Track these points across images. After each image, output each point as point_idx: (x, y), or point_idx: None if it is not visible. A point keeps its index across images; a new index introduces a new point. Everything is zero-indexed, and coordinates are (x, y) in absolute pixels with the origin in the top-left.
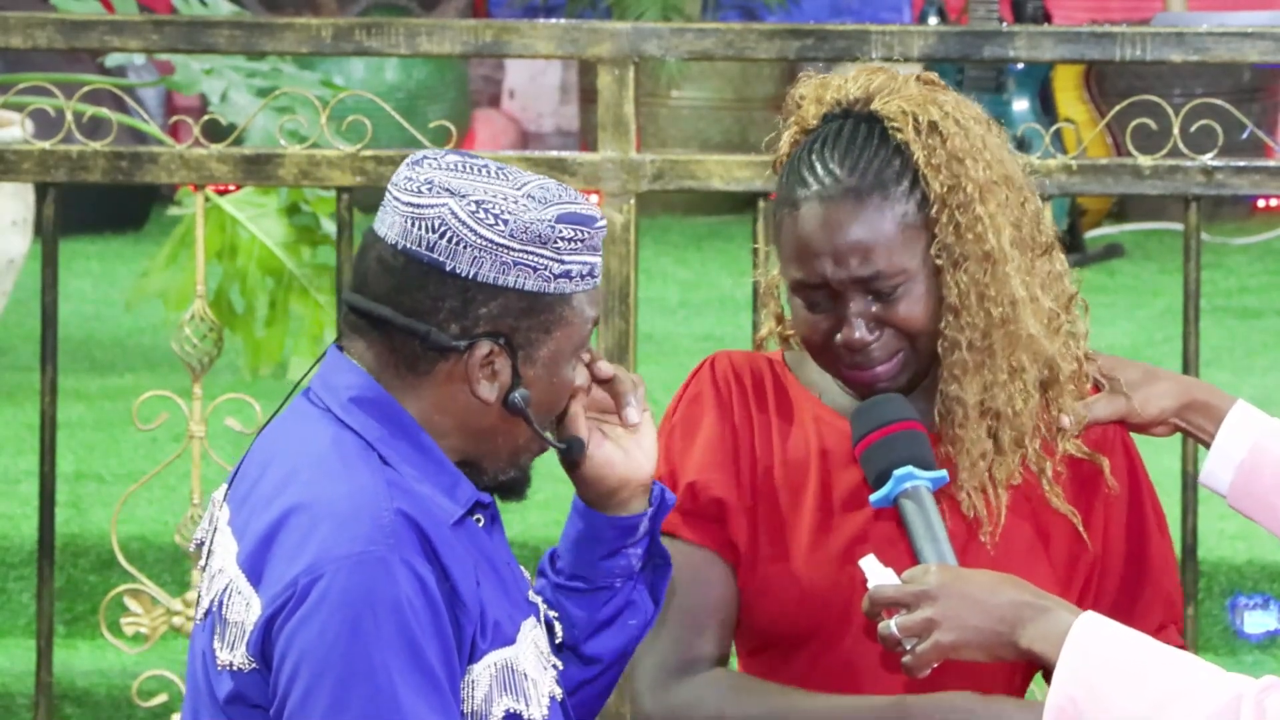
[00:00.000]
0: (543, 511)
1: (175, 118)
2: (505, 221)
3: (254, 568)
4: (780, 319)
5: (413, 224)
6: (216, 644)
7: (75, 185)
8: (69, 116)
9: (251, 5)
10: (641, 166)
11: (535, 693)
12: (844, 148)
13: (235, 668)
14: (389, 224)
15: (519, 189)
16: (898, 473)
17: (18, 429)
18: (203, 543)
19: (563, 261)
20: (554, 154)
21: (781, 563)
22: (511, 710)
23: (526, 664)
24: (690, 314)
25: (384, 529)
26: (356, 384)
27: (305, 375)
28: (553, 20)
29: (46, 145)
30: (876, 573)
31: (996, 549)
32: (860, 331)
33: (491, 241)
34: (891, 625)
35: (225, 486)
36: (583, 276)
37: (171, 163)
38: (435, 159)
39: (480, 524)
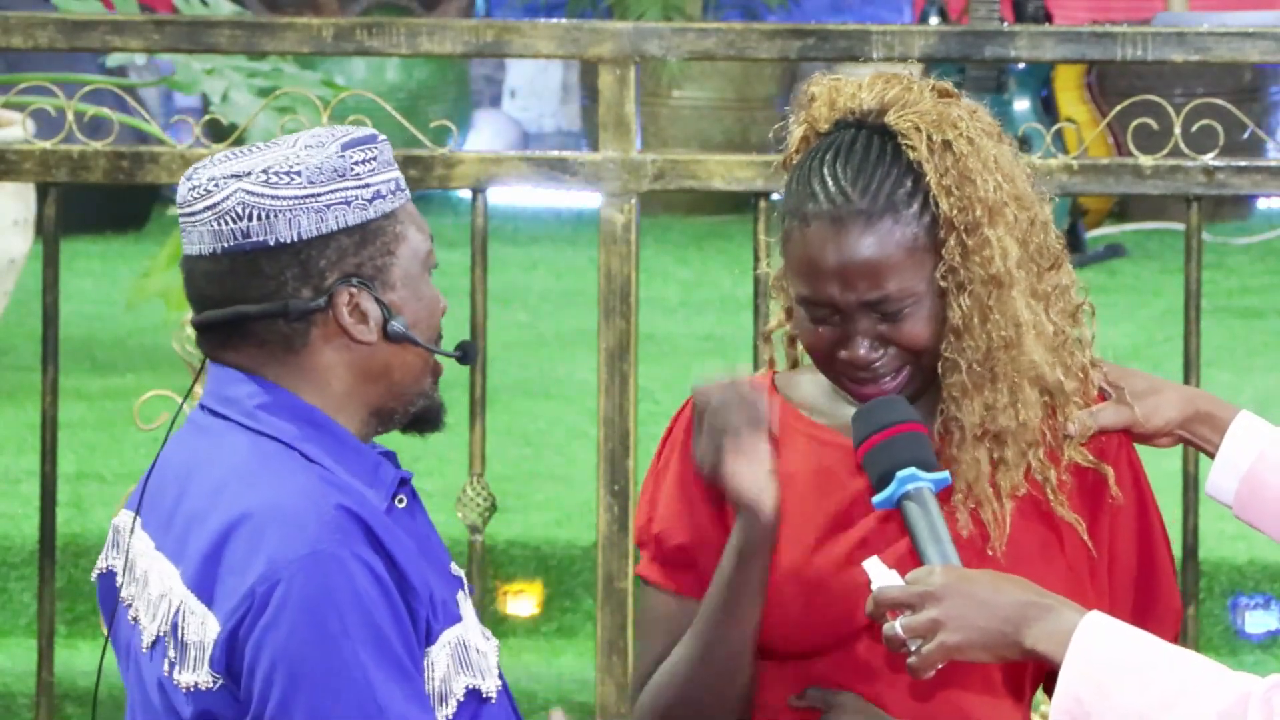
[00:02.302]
0: (543, 511)
1: (176, 118)
2: (299, 173)
3: (203, 585)
4: (790, 314)
5: (219, 223)
6: (174, 669)
7: (76, 185)
8: (70, 116)
9: (252, 5)
10: (643, 166)
11: (487, 665)
12: (856, 164)
13: (200, 688)
14: (197, 239)
15: (294, 146)
16: (901, 474)
17: (19, 429)
18: (112, 572)
19: (368, 185)
20: (555, 154)
21: (783, 580)
22: (471, 686)
23: (474, 638)
24: (691, 314)
25: (330, 525)
26: (256, 391)
27: (176, 414)
28: (554, 20)
29: (48, 145)
30: (880, 574)
31: (1005, 559)
32: (864, 350)
33: (296, 197)
34: (896, 627)
35: (132, 515)
36: (393, 193)
37: (173, 163)
38: (203, 165)
39: (402, 504)
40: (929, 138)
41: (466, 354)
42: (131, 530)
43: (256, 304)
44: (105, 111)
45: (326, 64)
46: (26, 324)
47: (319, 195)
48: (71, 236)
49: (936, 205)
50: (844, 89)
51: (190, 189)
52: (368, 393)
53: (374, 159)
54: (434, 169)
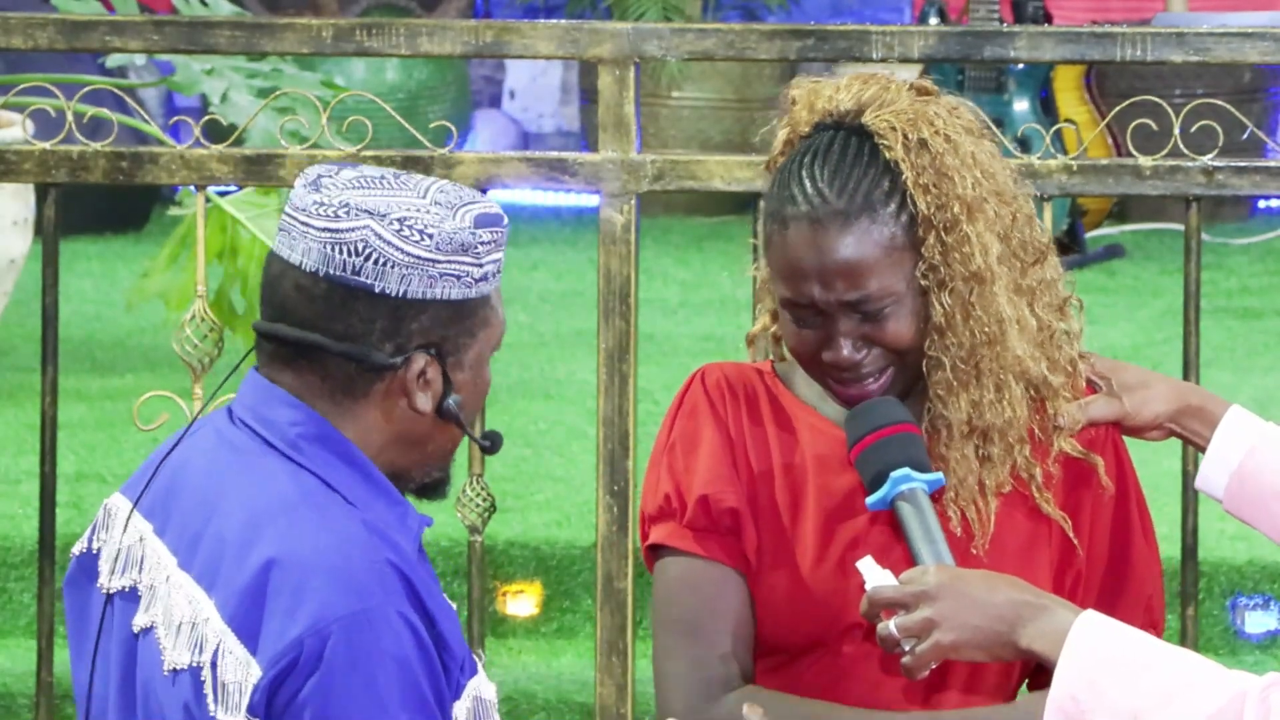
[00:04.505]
0: (542, 512)
1: (176, 118)
2: (430, 236)
3: (244, 627)
4: (775, 317)
5: (334, 249)
6: (216, 706)
7: (76, 186)
8: (70, 117)
9: (252, 6)
10: (642, 167)
11: (492, 713)
12: (834, 165)
13: None
14: (303, 250)
15: (424, 197)
16: (894, 475)
17: (18, 429)
18: (97, 553)
19: (481, 265)
20: (554, 154)
21: (784, 572)
22: None
23: (485, 688)
24: (691, 314)
25: (379, 581)
26: (300, 419)
27: (204, 407)
28: (553, 21)
29: (47, 145)
30: (874, 574)
31: (989, 556)
32: (848, 351)
33: (419, 258)
34: (890, 626)
35: (130, 504)
36: (495, 275)
37: (172, 163)
38: (332, 177)
39: None
40: (905, 136)
41: (494, 444)
42: (128, 517)
43: (338, 339)
44: (105, 112)
45: (326, 64)
46: (26, 324)
47: (438, 262)
48: (71, 237)
49: (914, 204)
50: (822, 91)
51: (315, 202)
52: (399, 455)
53: (496, 242)
54: (433, 170)
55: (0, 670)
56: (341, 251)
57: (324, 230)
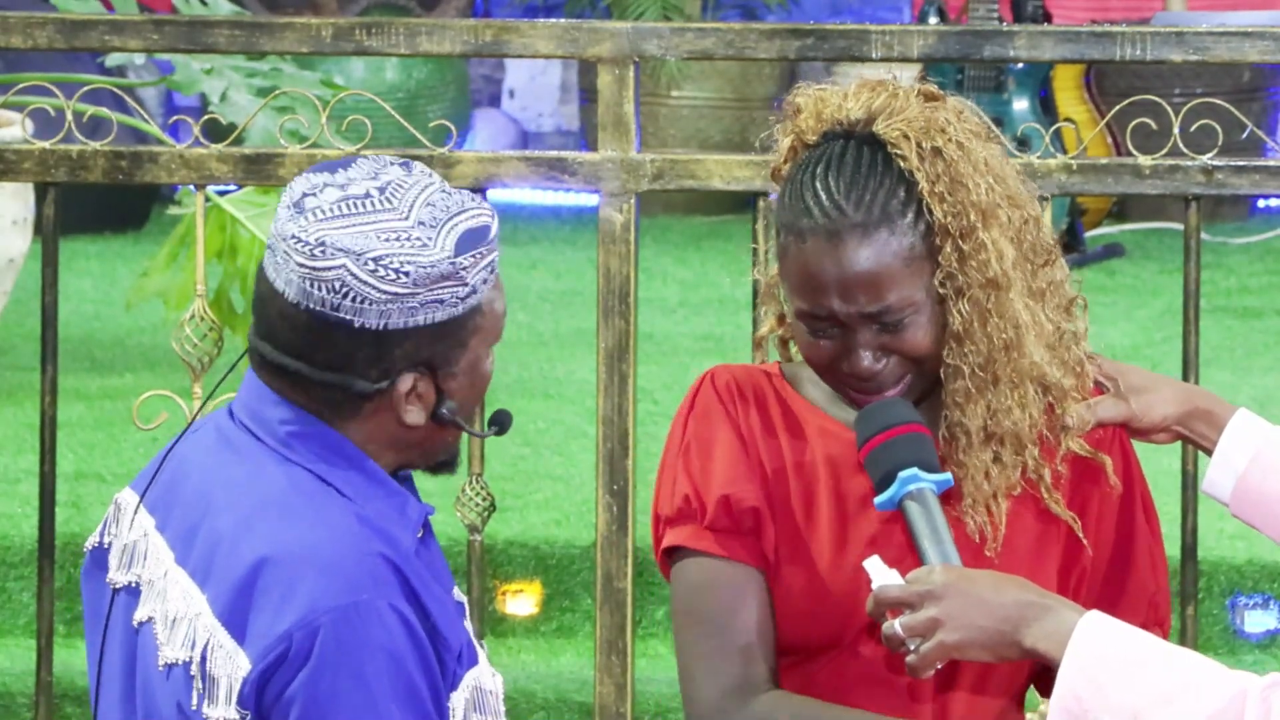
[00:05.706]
0: (542, 511)
1: (175, 117)
2: (406, 273)
3: (233, 620)
4: (782, 320)
5: (311, 285)
6: (204, 701)
7: (75, 185)
8: (69, 116)
9: (251, 5)
10: (642, 166)
11: (496, 705)
12: (849, 176)
13: None
14: (285, 280)
15: (407, 218)
16: (902, 475)
17: (18, 429)
18: (108, 547)
19: (467, 284)
20: (553, 153)
21: (800, 573)
22: None
23: (487, 679)
24: (690, 314)
25: (369, 574)
26: (290, 417)
27: (202, 407)
28: (553, 20)
29: (47, 145)
30: (881, 573)
31: (1000, 558)
32: (868, 362)
33: (396, 294)
34: (896, 625)
35: (137, 498)
36: (485, 283)
37: (171, 162)
38: (316, 197)
39: (420, 536)
40: (918, 145)
41: (503, 426)
42: (135, 512)
43: (320, 368)
44: (104, 111)
45: (325, 64)
46: (25, 324)
47: (418, 295)
48: (70, 236)
49: (930, 213)
50: (830, 99)
51: (294, 234)
52: (398, 457)
53: (482, 256)
54: (433, 169)
55: (0, 670)
56: (319, 288)
57: (301, 266)
